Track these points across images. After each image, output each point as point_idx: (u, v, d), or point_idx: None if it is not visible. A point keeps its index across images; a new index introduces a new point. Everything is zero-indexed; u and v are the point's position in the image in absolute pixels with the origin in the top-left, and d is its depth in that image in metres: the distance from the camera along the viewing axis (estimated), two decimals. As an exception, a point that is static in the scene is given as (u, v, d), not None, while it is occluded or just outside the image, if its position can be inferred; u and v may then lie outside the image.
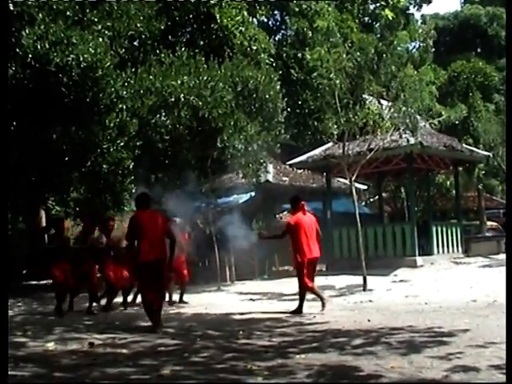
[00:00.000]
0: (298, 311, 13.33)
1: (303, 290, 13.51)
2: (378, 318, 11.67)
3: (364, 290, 17.39)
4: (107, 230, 15.72)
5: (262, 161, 20.60)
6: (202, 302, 15.04)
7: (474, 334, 9.07)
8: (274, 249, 22.71)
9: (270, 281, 21.61)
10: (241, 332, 10.48)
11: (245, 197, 24.84)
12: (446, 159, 26.05)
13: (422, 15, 45.40)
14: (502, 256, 23.47)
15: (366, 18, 30.63)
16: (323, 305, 13.42)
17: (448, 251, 24.41)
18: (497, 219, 38.32)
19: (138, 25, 18.25)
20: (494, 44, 46.92)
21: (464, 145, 28.10)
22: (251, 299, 16.95)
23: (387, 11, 17.89)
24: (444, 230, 24.65)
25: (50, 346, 9.58)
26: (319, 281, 18.94)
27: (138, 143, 17.29)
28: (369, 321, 11.31)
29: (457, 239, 25.17)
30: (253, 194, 24.99)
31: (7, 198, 8.28)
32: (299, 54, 23.99)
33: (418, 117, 20.21)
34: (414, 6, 36.65)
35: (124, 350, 8.95)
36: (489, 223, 36.16)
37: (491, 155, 30.28)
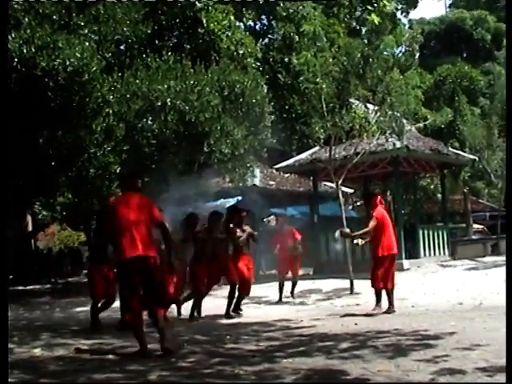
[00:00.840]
0: (389, 309, 13.08)
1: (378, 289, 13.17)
2: (365, 322, 11.69)
3: (351, 293, 17.41)
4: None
5: (248, 165, 20.64)
6: (188, 307, 14.99)
7: (461, 337, 9.08)
8: (259, 253, 22.68)
9: (257, 285, 21.57)
10: (228, 337, 10.48)
11: (232, 201, 24.82)
12: (432, 162, 26.14)
13: (410, 20, 45.57)
14: (488, 259, 23.58)
15: (353, 23, 30.72)
16: (379, 306, 13.13)
17: (434, 254, 24.50)
18: (483, 222, 38.50)
19: (125, 29, 18.28)
20: (480, 48, 47.10)
21: (450, 148, 28.25)
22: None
23: (373, 16, 17.94)
24: (430, 233, 24.73)
25: (37, 351, 9.54)
26: (306, 284, 19.00)
27: (124, 147, 17.29)
28: (356, 324, 11.34)
29: (443, 242, 25.26)
30: (240, 198, 24.98)
31: (7, 199, 8.10)
32: (286, 59, 24.07)
33: (404, 121, 20.29)
34: (402, 13, 36.80)
35: (111, 356, 8.93)
36: (475, 226, 36.32)
37: (477, 158, 30.42)
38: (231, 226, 14.50)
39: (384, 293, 13.00)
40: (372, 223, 13.29)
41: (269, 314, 14.03)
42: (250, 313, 14.76)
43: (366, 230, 13.49)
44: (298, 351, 8.69)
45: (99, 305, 12.71)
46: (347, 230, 15.71)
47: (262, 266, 25.40)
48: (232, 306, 14.22)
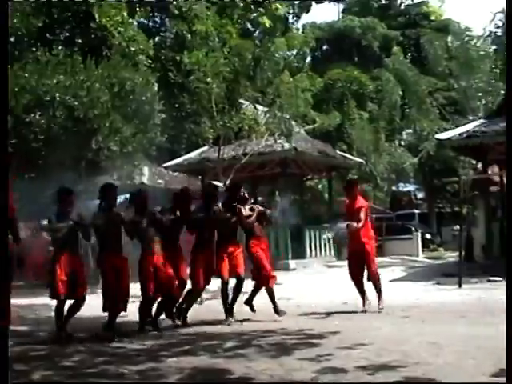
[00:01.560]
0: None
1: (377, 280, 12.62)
2: (251, 321, 11.74)
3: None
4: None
5: (137, 163, 20.47)
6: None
7: (344, 336, 9.24)
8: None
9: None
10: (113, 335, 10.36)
11: (118, 199, 24.55)
12: (320, 165, 26.56)
13: (303, 25, 46.12)
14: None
15: (246, 24, 30.88)
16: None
17: (321, 255, 24.89)
18: (370, 223, 39.22)
19: (15, 21, 17.84)
20: (370, 54, 48.05)
21: (338, 151, 28.75)
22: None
23: (265, 19, 18.05)
24: (317, 233, 25.10)
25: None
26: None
27: (11, 141, 16.88)
28: (241, 323, 11.38)
29: (329, 243, 25.68)
30: (127, 196, 24.70)
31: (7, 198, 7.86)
32: (177, 57, 23.99)
33: (293, 123, 20.56)
34: (293, 17, 37.27)
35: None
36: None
37: (364, 162, 31.06)
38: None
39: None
40: (364, 214, 12.75)
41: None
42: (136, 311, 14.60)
43: (363, 222, 12.83)
44: (183, 350, 8.68)
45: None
46: (355, 224, 14.51)
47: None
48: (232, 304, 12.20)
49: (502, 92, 29.17)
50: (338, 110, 37.40)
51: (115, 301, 10.28)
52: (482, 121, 21.53)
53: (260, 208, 12.68)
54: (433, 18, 51.18)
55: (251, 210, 12.42)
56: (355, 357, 7.69)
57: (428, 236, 38.42)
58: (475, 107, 34.88)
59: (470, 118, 32.20)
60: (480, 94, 34.54)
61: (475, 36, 37.25)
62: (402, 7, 53.89)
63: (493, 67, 34.63)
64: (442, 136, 21.88)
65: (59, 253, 10.03)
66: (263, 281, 12.19)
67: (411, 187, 52.48)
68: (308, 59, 45.97)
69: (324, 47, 48.86)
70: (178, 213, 11.93)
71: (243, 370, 7.20)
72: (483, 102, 34.73)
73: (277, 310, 11.92)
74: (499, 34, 43.72)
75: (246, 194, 13.04)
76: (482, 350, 7.67)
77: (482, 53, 35.02)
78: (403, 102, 40.76)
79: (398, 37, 48.92)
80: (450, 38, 39.04)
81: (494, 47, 40.04)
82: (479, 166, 24.18)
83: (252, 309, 12.32)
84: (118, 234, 10.93)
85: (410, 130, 43.83)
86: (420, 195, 52.94)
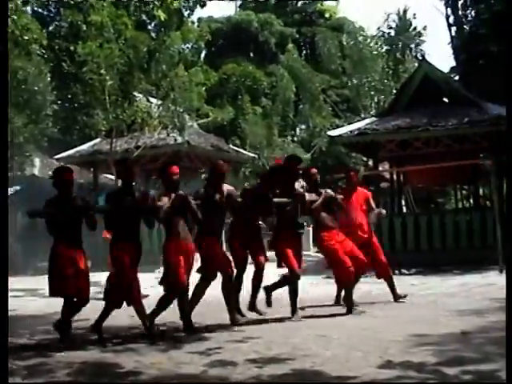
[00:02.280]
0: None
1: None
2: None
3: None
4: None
5: (28, 154, 20.12)
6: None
7: (234, 330, 9.35)
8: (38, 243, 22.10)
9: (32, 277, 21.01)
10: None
11: (10, 191, 24.09)
12: (213, 159, 26.61)
13: (199, 18, 45.96)
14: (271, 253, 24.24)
15: (142, 16, 30.66)
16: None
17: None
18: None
19: None
20: (266, 50, 48.32)
21: (231, 145, 28.91)
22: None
23: (160, 12, 18.05)
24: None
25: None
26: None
27: None
28: (132, 316, 11.35)
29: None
30: (18, 188, 24.29)
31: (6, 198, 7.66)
32: (71, 47, 23.65)
33: (187, 116, 20.59)
34: (186, 10, 37.09)
35: None
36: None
37: (257, 156, 31.33)
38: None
39: None
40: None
41: (49, 307, 13.68)
42: (29, 305, 14.40)
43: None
44: (73, 345, 8.62)
45: None
46: (383, 211, 13.57)
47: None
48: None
49: (394, 91, 29.91)
50: (232, 104, 37.61)
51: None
52: (373, 119, 21.97)
53: (329, 192, 11.21)
54: (327, 16, 51.87)
55: (318, 194, 10.96)
56: (245, 350, 7.81)
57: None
58: (367, 105, 35.53)
59: (362, 115, 32.84)
60: (372, 93, 35.23)
61: (369, 36, 37.97)
62: (299, 5, 54.36)
63: (385, 67, 35.41)
64: (334, 133, 22.26)
65: None
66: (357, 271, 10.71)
67: (304, 183, 53.14)
68: (204, 53, 45.91)
69: (220, 42, 48.84)
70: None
71: (132, 364, 7.24)
72: (375, 100, 35.44)
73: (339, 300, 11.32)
74: (392, 34, 44.89)
75: (314, 170, 11.59)
76: (368, 342, 7.89)
77: (374, 52, 35.69)
78: (297, 99, 41.21)
79: (294, 34, 49.34)
80: (344, 37, 39.66)
81: (387, 47, 41.05)
82: (370, 162, 24.71)
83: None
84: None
85: (303, 126, 44.43)
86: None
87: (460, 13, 28.23)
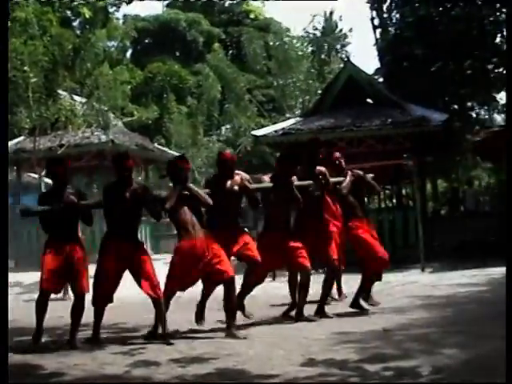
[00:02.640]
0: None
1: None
2: (68, 315, 11.59)
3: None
4: None
5: None
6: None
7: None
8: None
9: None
10: None
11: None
12: (137, 158, 26.52)
13: (125, 15, 45.58)
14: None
15: (67, 13, 30.27)
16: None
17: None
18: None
19: None
20: (192, 49, 48.25)
21: (156, 144, 28.83)
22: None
23: (85, 9, 17.89)
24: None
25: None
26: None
27: None
28: (62, 318, 11.21)
29: (145, 237, 25.68)
30: None
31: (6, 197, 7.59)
32: (-6, 44, 23.24)
33: (111, 115, 20.47)
34: (112, 7, 36.74)
35: None
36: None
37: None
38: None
39: None
40: None
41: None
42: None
43: None
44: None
45: None
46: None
47: None
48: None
49: (319, 92, 30.17)
50: (157, 103, 37.41)
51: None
52: (298, 119, 22.14)
53: (357, 173, 10.15)
54: (252, 16, 52.05)
55: (342, 175, 10.06)
56: (168, 350, 7.87)
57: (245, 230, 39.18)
58: (292, 105, 35.76)
59: (288, 115, 33.03)
60: (297, 93, 35.47)
61: (296, 37, 38.26)
62: (226, 4, 54.42)
63: (310, 68, 35.71)
64: (259, 132, 22.38)
65: None
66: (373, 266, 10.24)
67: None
68: (130, 52, 45.63)
69: (147, 40, 48.58)
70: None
71: (55, 365, 7.23)
72: (300, 100, 35.69)
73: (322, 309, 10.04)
74: (318, 35, 45.31)
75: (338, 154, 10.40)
76: (292, 340, 8.00)
77: (300, 53, 35.96)
78: (222, 98, 41.27)
79: (221, 34, 49.42)
80: (270, 37, 39.83)
81: (313, 48, 41.43)
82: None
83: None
84: None
85: (229, 126, 44.46)
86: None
87: (385, 15, 28.59)
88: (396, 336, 7.98)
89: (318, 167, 9.75)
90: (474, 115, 30.44)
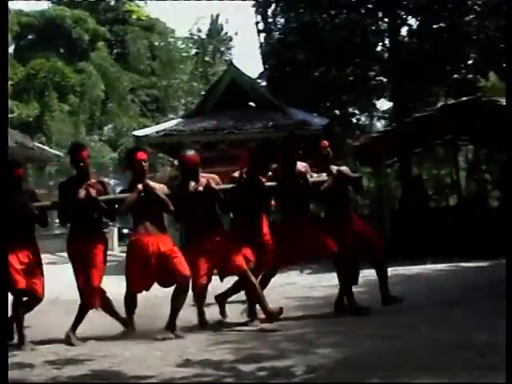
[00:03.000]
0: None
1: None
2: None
3: None
4: None
5: None
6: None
7: (34, 332, 9.01)
8: None
9: None
10: None
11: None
12: (17, 156, 25.94)
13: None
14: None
15: None
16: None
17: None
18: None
19: None
20: (77, 46, 47.55)
21: (36, 143, 28.26)
22: None
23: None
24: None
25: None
26: None
27: None
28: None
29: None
30: None
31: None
32: None
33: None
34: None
35: None
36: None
37: (62, 154, 30.79)
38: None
39: None
40: None
41: None
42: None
43: None
44: None
45: None
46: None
47: None
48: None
49: (202, 93, 30.26)
50: (38, 100, 36.80)
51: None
52: (180, 120, 22.17)
53: (344, 169, 9.27)
54: (135, 17, 51.73)
55: (328, 172, 9.10)
56: (44, 352, 7.71)
57: (125, 231, 38.81)
58: (176, 106, 35.82)
59: (171, 116, 33.04)
60: (181, 94, 35.51)
61: (180, 38, 38.32)
62: (112, 3, 53.81)
63: (194, 69, 35.83)
64: (140, 133, 22.22)
65: None
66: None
67: (111, 181, 52.82)
68: (12, 47, 44.58)
69: (31, 36, 47.54)
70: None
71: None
72: (183, 101, 35.75)
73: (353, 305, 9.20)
74: (204, 37, 45.49)
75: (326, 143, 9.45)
76: (169, 341, 7.97)
77: (184, 54, 36.09)
78: (105, 97, 40.90)
79: (106, 32, 48.88)
80: (155, 37, 39.72)
81: (197, 50, 41.55)
82: (176, 163, 24.95)
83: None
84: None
85: (111, 125, 44.09)
86: (118, 189, 53.44)
87: (270, 20, 28.91)
88: (272, 336, 8.05)
89: (299, 165, 9.14)
90: (355, 121, 31.16)
